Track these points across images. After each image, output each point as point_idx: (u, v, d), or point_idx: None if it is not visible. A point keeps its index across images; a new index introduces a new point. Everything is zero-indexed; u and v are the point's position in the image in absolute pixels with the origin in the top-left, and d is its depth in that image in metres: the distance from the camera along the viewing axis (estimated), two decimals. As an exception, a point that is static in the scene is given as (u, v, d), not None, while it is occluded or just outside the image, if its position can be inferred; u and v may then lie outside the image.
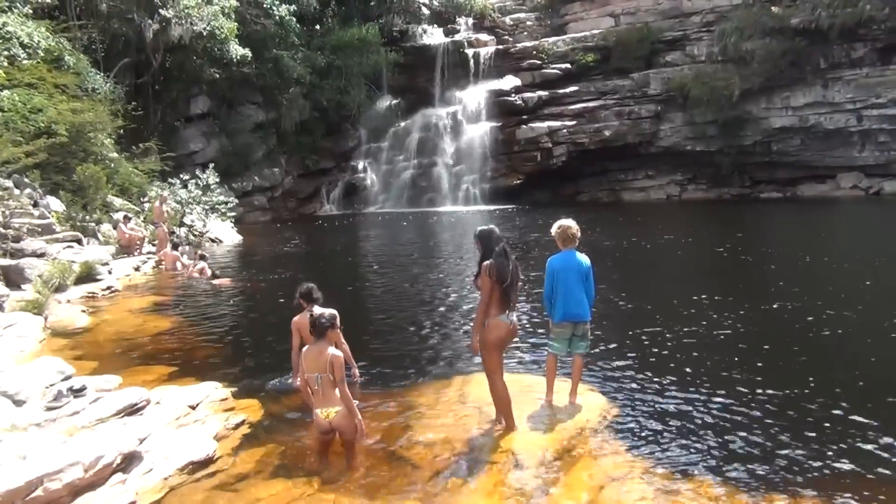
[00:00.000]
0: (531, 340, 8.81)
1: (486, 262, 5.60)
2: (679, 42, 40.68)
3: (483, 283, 5.61)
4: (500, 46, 43.91)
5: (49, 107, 18.63)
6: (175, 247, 17.46)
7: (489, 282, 5.57)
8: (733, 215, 30.18)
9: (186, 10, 27.65)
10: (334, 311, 5.48)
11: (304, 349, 5.42)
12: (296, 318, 6.80)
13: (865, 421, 5.94)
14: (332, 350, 5.26)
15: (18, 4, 21.67)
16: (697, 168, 40.70)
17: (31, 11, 22.23)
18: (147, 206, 21.32)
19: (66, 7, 25.24)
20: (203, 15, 28.21)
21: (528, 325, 9.62)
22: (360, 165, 40.93)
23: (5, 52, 19.23)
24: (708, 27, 39.75)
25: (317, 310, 5.79)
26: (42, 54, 20.59)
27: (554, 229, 6.38)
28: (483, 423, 6.02)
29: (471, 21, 46.99)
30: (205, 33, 28.73)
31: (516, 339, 7.31)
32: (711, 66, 38.35)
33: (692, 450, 5.48)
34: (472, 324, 6.23)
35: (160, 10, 27.39)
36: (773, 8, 36.76)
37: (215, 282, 14.70)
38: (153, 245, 18.57)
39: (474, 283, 5.90)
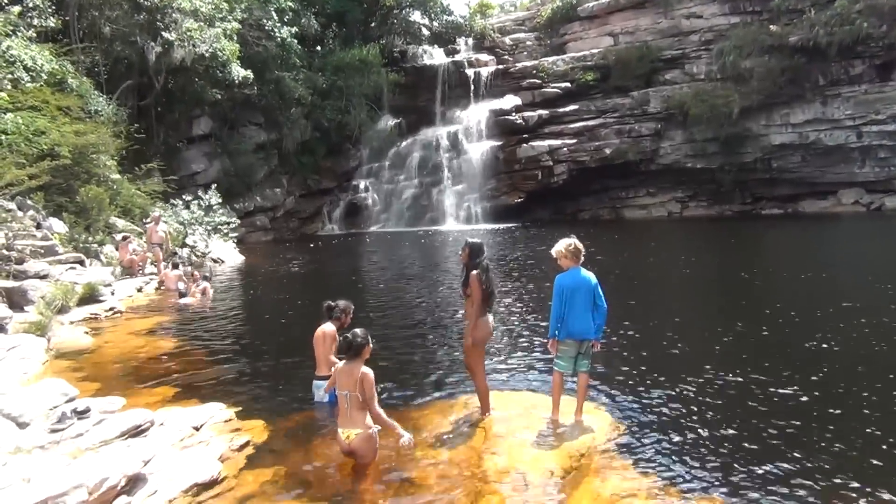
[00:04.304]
0: (536, 359, 8.77)
1: (475, 272, 6.37)
2: (678, 60, 40.98)
3: (475, 289, 6.35)
4: (501, 66, 44.24)
5: (52, 129, 18.69)
6: (175, 266, 17.43)
7: (480, 289, 6.32)
8: (735, 232, 30.17)
9: (189, 33, 27.82)
10: (365, 330, 5.68)
11: (338, 366, 5.64)
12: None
13: (877, 439, 5.91)
14: (363, 368, 5.40)
15: (22, 28, 21.82)
16: (698, 185, 40.84)
17: (34, 35, 22.38)
18: (149, 226, 21.40)
19: (69, 31, 25.42)
20: (205, 37, 28.39)
21: (530, 344, 9.60)
22: (362, 185, 41.09)
23: (9, 76, 19.34)
24: (706, 45, 40.06)
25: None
26: (45, 77, 20.70)
27: (559, 247, 6.38)
28: (489, 442, 5.98)
29: (471, 41, 47.38)
30: (207, 55, 28.89)
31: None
32: (710, 84, 38.61)
33: (699, 468, 5.44)
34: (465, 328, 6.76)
35: (163, 33, 27.57)
36: (771, 26, 37.08)
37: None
38: (155, 266, 18.59)
39: (463, 290, 6.60)
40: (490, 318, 6.54)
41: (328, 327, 7.05)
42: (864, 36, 34.46)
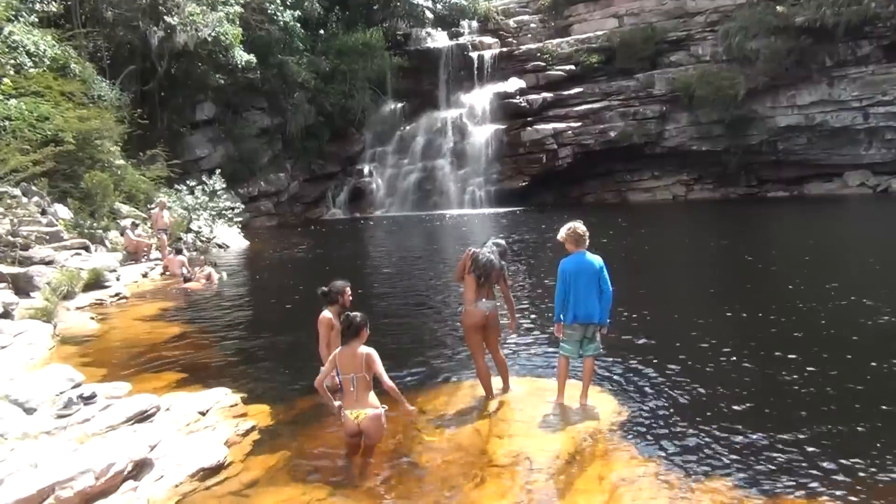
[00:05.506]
0: (542, 343, 8.77)
1: (469, 249, 6.57)
2: (683, 42, 40.55)
3: (459, 266, 6.59)
4: (505, 49, 43.90)
5: (56, 115, 18.67)
6: (178, 252, 17.43)
7: (463, 265, 6.52)
8: (740, 215, 30.07)
9: (191, 17, 27.72)
10: (364, 314, 5.68)
11: (338, 351, 5.60)
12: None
13: (883, 424, 5.89)
14: (363, 349, 5.45)
15: (24, 13, 21.74)
16: (703, 168, 40.58)
17: (36, 20, 22.31)
18: (154, 212, 21.43)
19: (71, 15, 25.36)
20: (208, 21, 28.29)
21: (537, 329, 9.60)
22: (366, 169, 40.97)
23: (12, 61, 19.30)
24: (712, 27, 39.61)
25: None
26: (48, 63, 20.65)
27: (563, 232, 6.36)
28: (494, 426, 5.99)
29: (474, 24, 47.02)
30: (210, 39, 28.80)
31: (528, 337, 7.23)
32: (716, 66, 38.24)
33: (705, 452, 5.43)
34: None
35: (165, 18, 27.47)
36: (777, 7, 36.62)
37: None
38: (160, 251, 18.61)
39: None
40: (482, 304, 6.51)
41: (325, 313, 6.98)
42: (872, 16, 34.05)
